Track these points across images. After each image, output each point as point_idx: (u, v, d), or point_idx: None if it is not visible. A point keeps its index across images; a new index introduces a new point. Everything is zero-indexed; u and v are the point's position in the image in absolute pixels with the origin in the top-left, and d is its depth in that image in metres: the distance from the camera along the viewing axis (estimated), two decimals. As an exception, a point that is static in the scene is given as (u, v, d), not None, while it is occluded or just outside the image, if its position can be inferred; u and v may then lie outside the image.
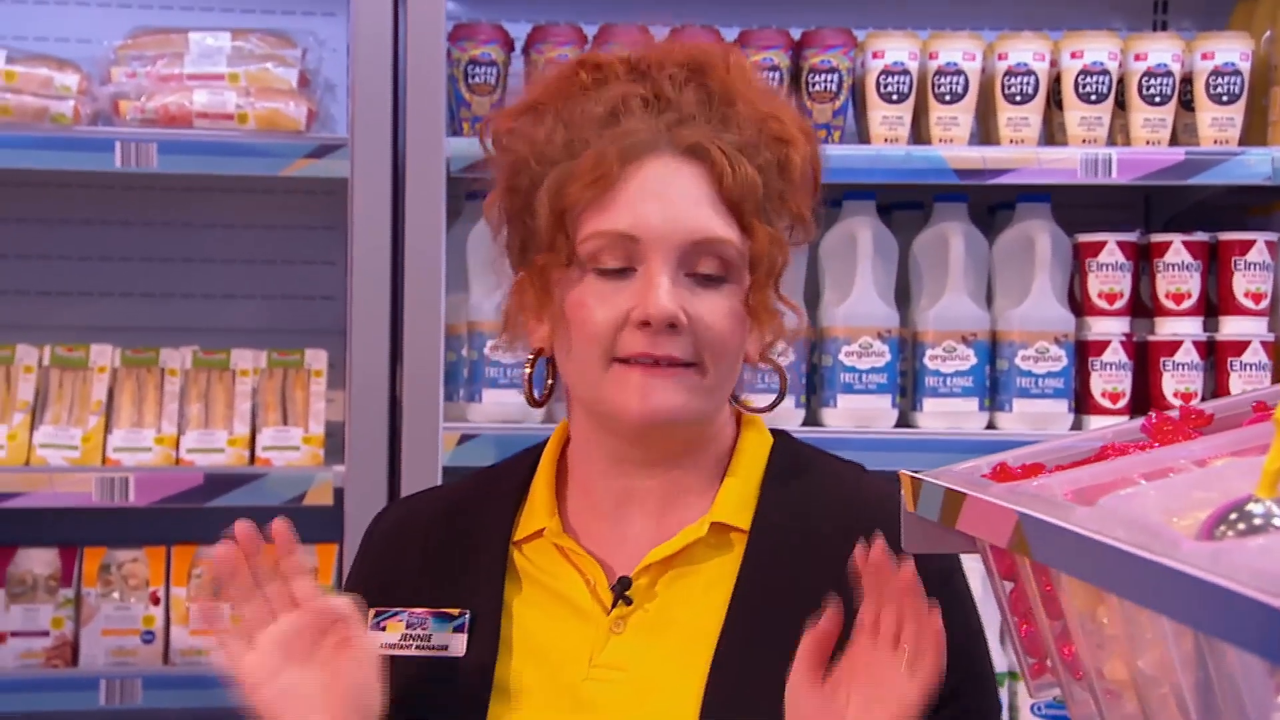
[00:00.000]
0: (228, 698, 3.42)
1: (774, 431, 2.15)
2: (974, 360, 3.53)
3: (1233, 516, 1.29)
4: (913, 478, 1.71)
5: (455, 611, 2.07)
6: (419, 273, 3.36)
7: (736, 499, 2.06)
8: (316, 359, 3.55)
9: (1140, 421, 1.70)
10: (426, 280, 3.36)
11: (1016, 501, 1.48)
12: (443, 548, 2.13)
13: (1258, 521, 1.27)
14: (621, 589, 2.03)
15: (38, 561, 3.47)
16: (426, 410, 3.35)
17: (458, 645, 2.05)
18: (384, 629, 2.09)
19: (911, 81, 3.51)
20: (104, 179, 3.60)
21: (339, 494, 3.36)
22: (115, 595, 3.47)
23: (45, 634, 3.45)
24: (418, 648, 2.06)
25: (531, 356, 2.10)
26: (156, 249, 3.82)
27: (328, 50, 3.69)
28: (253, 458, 3.45)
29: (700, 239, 1.97)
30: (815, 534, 2.03)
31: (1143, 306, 3.63)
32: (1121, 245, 3.60)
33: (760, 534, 2.05)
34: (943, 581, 1.95)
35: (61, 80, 3.43)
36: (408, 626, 2.08)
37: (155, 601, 3.47)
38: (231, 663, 1.96)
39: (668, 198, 1.98)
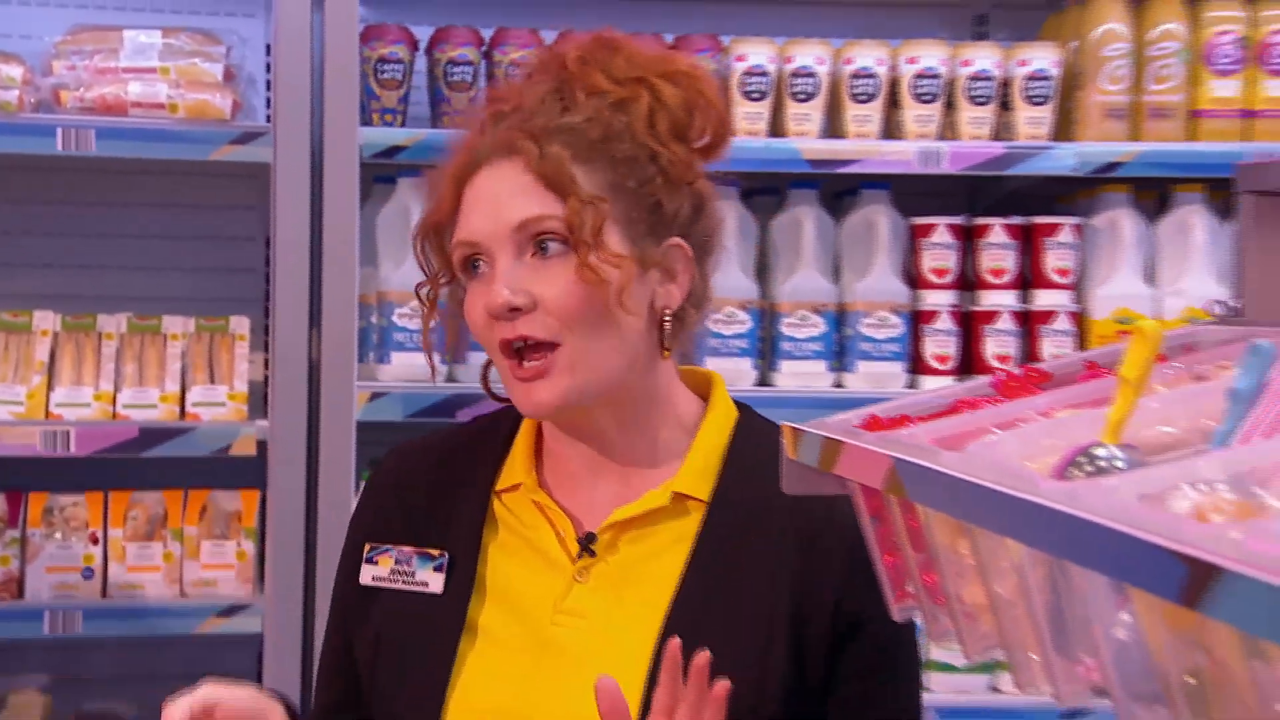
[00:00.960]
0: (160, 627, 3.43)
1: (738, 405, 2.10)
2: (824, 328, 3.57)
3: (1081, 460, 1.31)
4: (794, 429, 1.69)
5: (436, 552, 2.03)
6: (335, 248, 3.36)
7: (698, 471, 2.01)
8: (240, 325, 3.53)
9: (989, 379, 1.70)
10: (341, 255, 3.36)
11: (890, 448, 1.48)
12: (432, 493, 2.09)
13: (1103, 464, 1.29)
14: (587, 542, 1.99)
15: (-14, 503, 3.44)
16: (341, 371, 3.36)
17: (436, 583, 2.01)
18: (376, 563, 2.06)
19: (770, 82, 3.54)
20: (46, 162, 3.56)
21: (262, 446, 3.36)
22: (58, 536, 3.44)
23: (-8, 569, 3.43)
24: (403, 582, 2.03)
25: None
26: (94, 225, 3.79)
27: (249, 48, 3.67)
28: (183, 413, 3.43)
29: (519, 223, 1.92)
30: (769, 508, 1.92)
31: (967, 280, 3.67)
32: (950, 227, 3.65)
33: (718, 505, 2.00)
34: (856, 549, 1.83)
35: (6, 72, 3.38)
36: (395, 562, 2.05)
37: (94, 541, 3.44)
38: None
39: (490, 200, 1.94)
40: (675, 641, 1.77)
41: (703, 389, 2.10)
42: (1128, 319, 3.58)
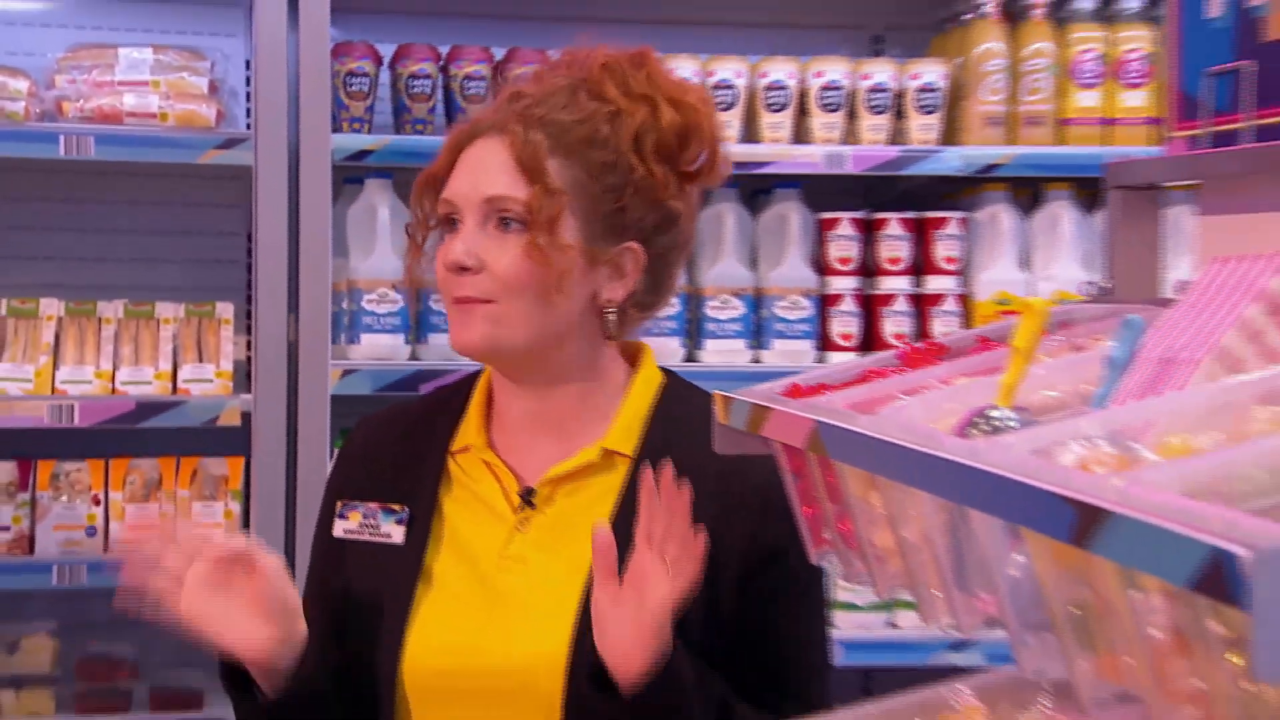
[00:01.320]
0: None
1: (664, 371, 2.10)
2: (743, 310, 3.57)
3: (978, 420, 1.32)
4: (724, 396, 1.68)
5: (399, 507, 2.03)
6: (310, 241, 3.34)
7: (625, 429, 2.01)
8: (225, 310, 3.51)
9: (894, 352, 1.70)
10: (316, 247, 3.34)
11: (811, 412, 1.49)
12: (397, 456, 2.08)
13: (998, 424, 1.30)
14: (527, 496, 2.01)
15: (0, 471, 3.41)
16: (317, 351, 3.34)
17: (398, 535, 2.02)
18: (346, 518, 2.06)
19: (694, 94, 3.54)
20: (50, 165, 3.52)
21: (246, 417, 3.34)
22: (64, 498, 3.41)
23: (6, 529, 3.39)
24: (370, 534, 2.03)
25: None
26: (93, 221, 3.76)
27: (231, 64, 3.65)
28: (174, 389, 3.40)
29: (488, 197, 1.93)
30: (688, 462, 1.89)
31: (868, 268, 3.68)
32: (853, 221, 3.65)
33: (643, 460, 1.96)
34: (766, 493, 1.87)
35: (14, 85, 3.36)
36: (363, 517, 2.05)
37: (96, 503, 3.42)
38: (170, 606, 1.87)
39: (474, 169, 1.95)
40: (647, 471, 1.81)
41: (633, 357, 2.09)
42: (1006, 301, 3.60)
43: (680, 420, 2.02)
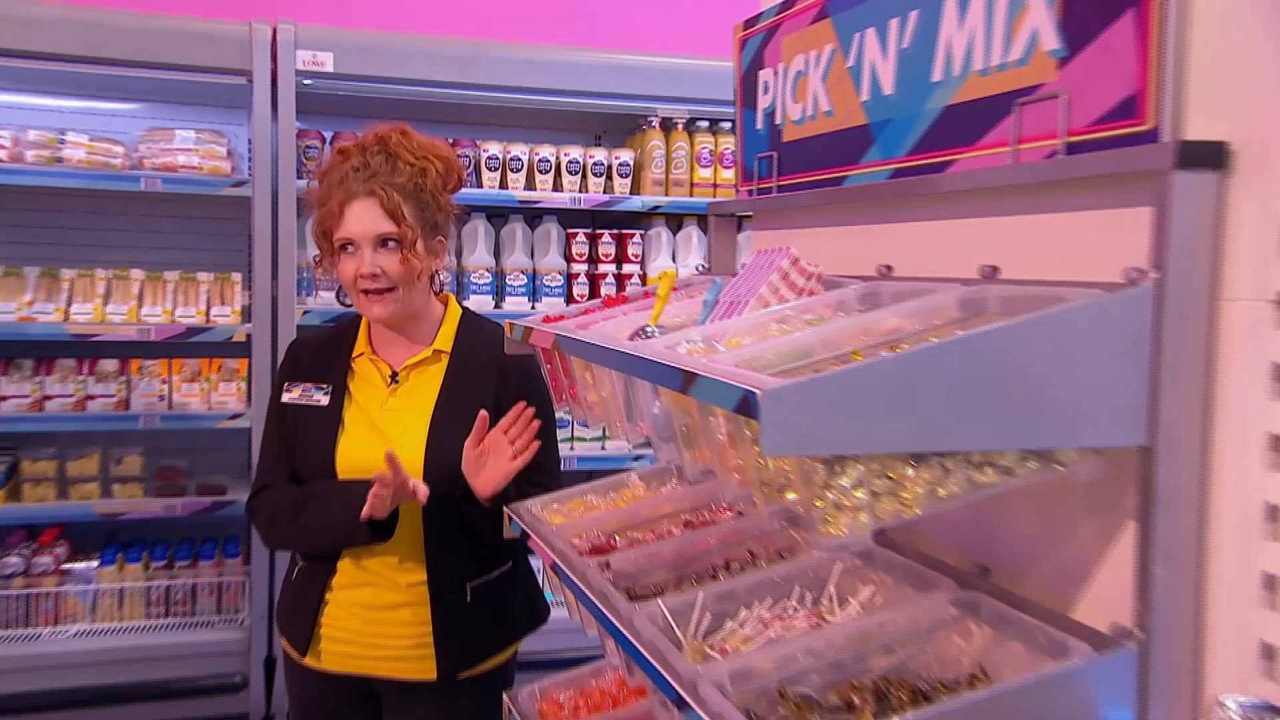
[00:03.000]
0: (199, 424, 3.26)
1: (463, 307, 2.09)
2: (526, 281, 3.53)
3: (639, 332, 1.34)
4: (510, 322, 1.70)
5: (325, 385, 1.99)
6: (284, 240, 3.18)
7: (446, 337, 2.01)
8: (236, 277, 3.32)
9: (600, 299, 1.75)
10: (287, 243, 3.19)
11: (554, 329, 1.52)
12: (322, 356, 2.03)
13: (649, 333, 1.33)
14: (393, 376, 1.99)
15: (109, 364, 3.21)
16: (289, 300, 3.19)
17: (324, 400, 1.97)
18: (291, 391, 2.00)
19: (499, 162, 3.47)
20: (137, 195, 3.32)
21: (249, 337, 3.19)
22: (145, 380, 3.23)
23: (113, 396, 3.19)
24: (305, 400, 1.98)
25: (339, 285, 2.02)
26: (162, 226, 3.52)
27: (239, 140, 3.46)
28: (208, 320, 3.23)
29: (376, 234, 1.88)
30: (480, 355, 1.99)
31: (593, 259, 3.66)
32: (585, 234, 3.63)
33: (456, 353, 2.00)
34: (533, 370, 1.98)
35: (115, 149, 3.17)
36: (301, 391, 1.99)
37: (164, 383, 3.24)
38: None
39: (363, 218, 1.87)
40: (483, 414, 1.83)
41: (444, 300, 2.08)
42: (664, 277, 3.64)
43: (474, 333, 2.04)
